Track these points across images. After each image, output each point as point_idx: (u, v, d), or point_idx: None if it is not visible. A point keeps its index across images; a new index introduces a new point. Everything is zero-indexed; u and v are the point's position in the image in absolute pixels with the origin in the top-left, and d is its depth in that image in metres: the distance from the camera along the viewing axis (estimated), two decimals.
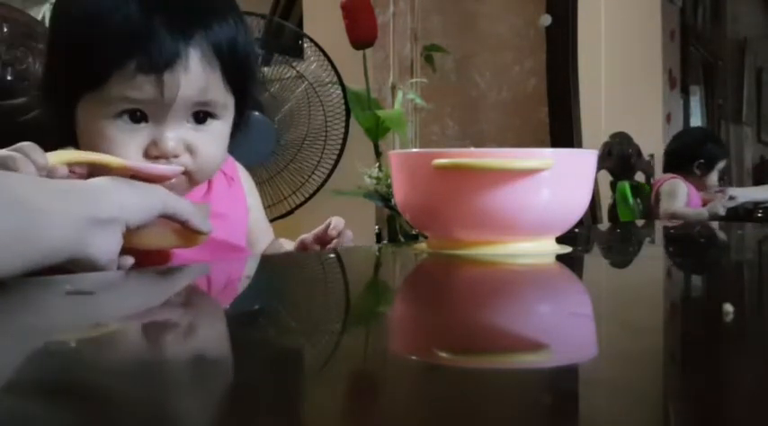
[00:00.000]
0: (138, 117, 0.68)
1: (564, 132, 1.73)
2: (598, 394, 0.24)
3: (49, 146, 0.65)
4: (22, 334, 0.32)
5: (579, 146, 1.68)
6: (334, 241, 0.80)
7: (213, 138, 0.72)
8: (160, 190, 0.60)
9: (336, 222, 0.80)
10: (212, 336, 0.34)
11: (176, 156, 0.70)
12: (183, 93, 0.67)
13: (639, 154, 2.01)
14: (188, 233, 0.62)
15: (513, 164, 0.57)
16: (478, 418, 0.21)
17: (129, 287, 0.51)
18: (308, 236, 0.82)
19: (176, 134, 0.69)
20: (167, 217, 0.60)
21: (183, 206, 0.61)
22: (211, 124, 0.72)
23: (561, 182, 0.59)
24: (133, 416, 0.20)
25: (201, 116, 0.71)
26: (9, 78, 0.90)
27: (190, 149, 0.70)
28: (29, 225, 0.46)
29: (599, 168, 0.64)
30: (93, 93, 0.68)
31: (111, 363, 0.27)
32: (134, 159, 0.68)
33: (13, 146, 0.61)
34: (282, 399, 0.23)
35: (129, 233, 0.55)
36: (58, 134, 0.73)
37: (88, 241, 0.50)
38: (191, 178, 0.73)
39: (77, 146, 0.72)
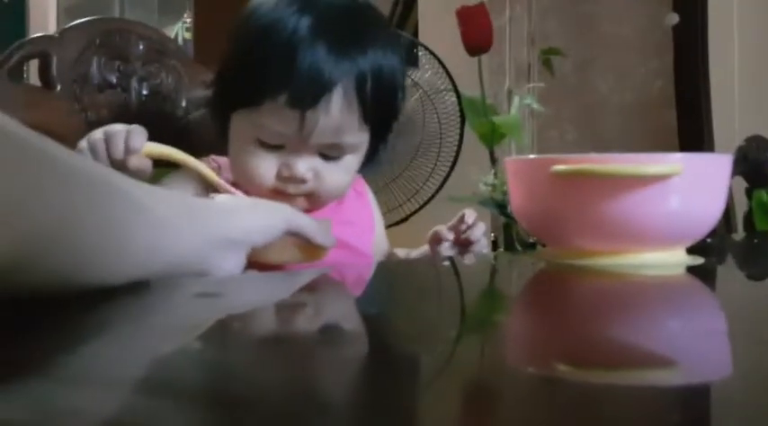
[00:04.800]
0: (277, 145, 0.74)
1: (694, 136, 1.64)
2: (731, 415, 0.22)
3: (205, 146, 0.71)
4: (152, 336, 0.34)
5: (711, 150, 1.59)
6: (469, 231, 0.81)
7: (342, 170, 0.76)
8: (284, 207, 0.63)
9: (469, 213, 0.81)
10: (336, 339, 0.34)
11: (305, 181, 0.74)
12: (318, 133, 0.71)
13: None
14: (311, 248, 0.64)
15: (639, 169, 0.54)
16: None
17: (255, 287, 0.52)
18: (442, 228, 0.83)
19: (308, 163, 0.73)
20: (291, 234, 0.62)
21: (306, 222, 0.63)
22: (342, 158, 0.75)
23: (692, 189, 0.56)
24: (263, 418, 0.20)
25: (332, 153, 0.74)
26: (144, 92, 0.97)
27: (318, 176, 0.74)
28: (155, 239, 0.45)
29: (733, 174, 0.60)
30: (247, 111, 0.73)
31: (240, 364, 0.28)
32: (268, 178, 0.74)
33: (123, 126, 0.67)
34: (396, 410, 0.23)
35: (254, 250, 0.57)
36: (217, 135, 0.79)
37: (213, 261, 0.51)
38: (313, 201, 0.76)
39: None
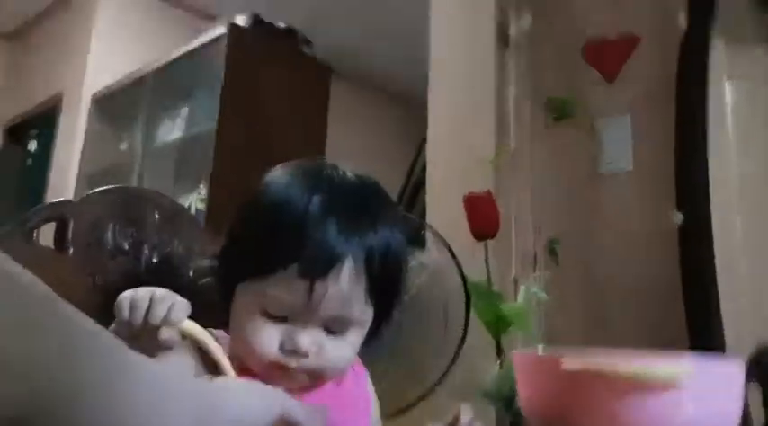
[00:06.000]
0: (282, 317, 0.73)
1: (703, 332, 1.62)
2: None
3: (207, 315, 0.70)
4: None
5: (722, 348, 1.57)
6: None
7: (346, 345, 0.76)
8: (279, 392, 0.61)
9: (465, 411, 0.78)
10: None
11: (307, 355, 0.73)
12: (326, 303, 0.72)
13: None
14: None
15: (648, 375, 0.53)
16: None
17: None
18: None
19: (312, 336, 0.72)
20: (286, 421, 0.60)
21: (300, 411, 0.61)
22: (346, 334, 0.75)
23: (706, 396, 0.54)
24: None
25: (337, 327, 0.74)
26: (154, 260, 0.98)
27: (321, 351, 0.74)
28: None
29: (748, 379, 0.58)
30: (254, 282, 0.73)
31: None
32: (271, 349, 0.73)
33: (170, 294, 0.66)
34: None
35: None
36: (218, 306, 0.79)
37: None
38: (314, 377, 0.75)
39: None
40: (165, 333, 0.67)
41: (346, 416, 0.78)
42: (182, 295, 0.93)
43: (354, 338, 0.76)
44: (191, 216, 1.07)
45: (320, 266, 0.71)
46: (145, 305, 0.68)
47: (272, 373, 0.74)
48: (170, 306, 0.68)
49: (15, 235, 0.86)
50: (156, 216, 1.00)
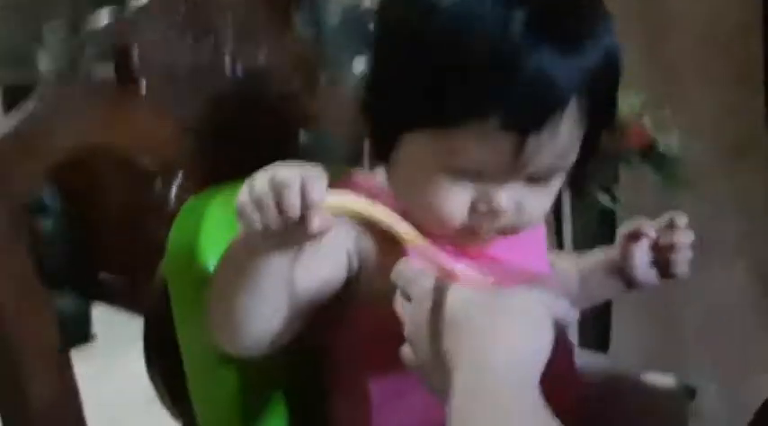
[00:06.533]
0: (474, 174, 0.56)
1: None
2: None
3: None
4: None
5: None
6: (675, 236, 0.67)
7: (547, 196, 0.60)
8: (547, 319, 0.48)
9: (681, 217, 0.67)
10: None
11: (505, 215, 0.57)
12: (539, 162, 0.55)
13: None
14: None
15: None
16: None
17: None
18: (643, 222, 0.68)
19: (512, 193, 0.57)
20: None
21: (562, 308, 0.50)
22: (550, 180, 0.59)
23: None
24: None
25: (542, 177, 0.58)
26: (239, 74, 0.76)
27: (520, 207, 0.58)
28: None
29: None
30: (434, 133, 0.55)
31: None
32: (460, 214, 0.57)
33: (294, 168, 0.48)
34: None
35: None
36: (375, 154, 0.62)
37: None
38: (505, 233, 0.60)
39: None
40: (316, 223, 0.48)
41: (526, 252, 0.66)
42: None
43: (558, 182, 0.61)
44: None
45: (535, 115, 0.52)
46: (270, 199, 0.47)
47: (459, 237, 0.60)
48: (300, 186, 0.47)
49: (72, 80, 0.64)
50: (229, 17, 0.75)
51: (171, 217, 0.68)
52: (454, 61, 0.52)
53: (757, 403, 0.60)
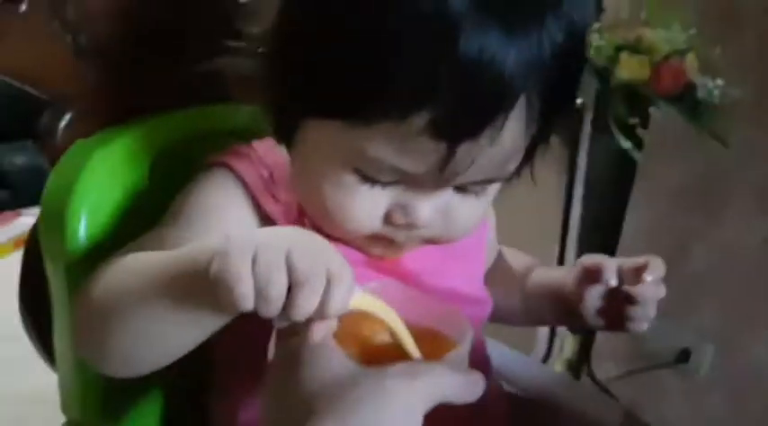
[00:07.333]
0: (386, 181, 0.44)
1: None
2: None
3: None
4: None
5: None
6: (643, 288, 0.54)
7: (480, 204, 0.47)
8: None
9: (656, 264, 0.54)
10: None
11: (425, 227, 0.45)
12: (472, 174, 0.42)
13: None
14: None
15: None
16: None
17: None
18: (604, 260, 0.56)
19: (436, 203, 0.45)
20: None
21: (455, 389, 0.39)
22: (487, 189, 0.46)
23: None
24: None
25: (477, 187, 0.47)
26: None
27: (446, 217, 0.45)
28: None
29: None
30: (344, 125, 0.42)
31: None
32: (371, 223, 0.46)
33: (314, 246, 0.35)
34: None
35: None
36: (274, 130, 0.49)
37: None
38: (429, 243, 0.49)
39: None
40: (319, 334, 0.36)
41: (456, 273, 0.56)
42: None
43: (494, 189, 0.48)
44: None
45: (471, 118, 0.39)
46: (278, 289, 0.33)
47: (369, 246, 0.49)
48: (324, 284, 0.34)
49: None
50: None
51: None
52: (370, 35, 0.39)
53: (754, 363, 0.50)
